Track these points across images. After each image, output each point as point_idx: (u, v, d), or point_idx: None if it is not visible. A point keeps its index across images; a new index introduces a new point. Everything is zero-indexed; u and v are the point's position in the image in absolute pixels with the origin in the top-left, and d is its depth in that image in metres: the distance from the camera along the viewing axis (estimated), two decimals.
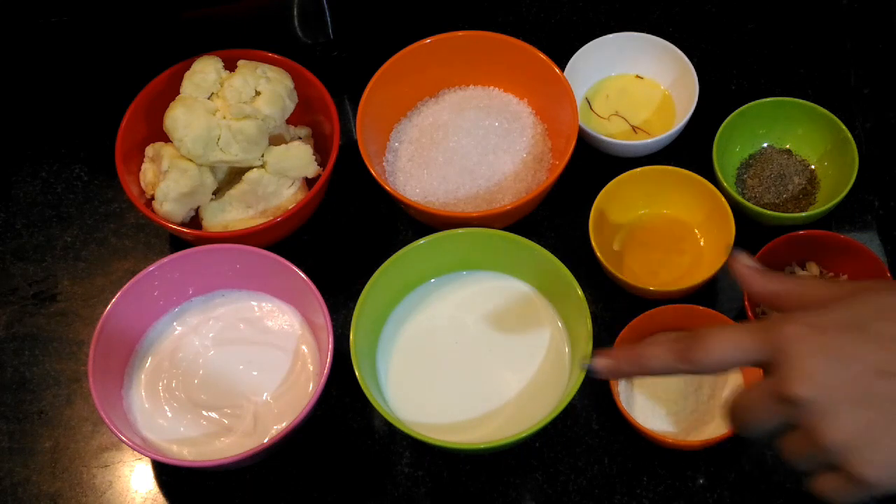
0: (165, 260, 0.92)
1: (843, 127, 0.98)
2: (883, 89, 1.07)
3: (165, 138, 0.96)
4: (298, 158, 0.97)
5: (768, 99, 1.01)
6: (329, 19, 1.10)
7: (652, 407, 0.90)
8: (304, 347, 0.93)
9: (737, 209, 0.95)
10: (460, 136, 1.01)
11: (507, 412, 0.89)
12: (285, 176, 0.97)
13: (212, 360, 0.93)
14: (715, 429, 0.88)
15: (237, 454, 0.84)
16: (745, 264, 0.75)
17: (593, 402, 0.92)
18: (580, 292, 0.88)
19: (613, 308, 0.95)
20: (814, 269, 0.95)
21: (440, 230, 0.92)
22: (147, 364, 0.93)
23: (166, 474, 0.92)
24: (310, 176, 0.99)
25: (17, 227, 1.04)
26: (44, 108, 1.11)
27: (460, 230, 0.92)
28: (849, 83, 1.07)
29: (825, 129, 0.99)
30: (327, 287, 0.90)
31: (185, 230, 0.96)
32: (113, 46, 1.10)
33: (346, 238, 1.02)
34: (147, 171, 0.99)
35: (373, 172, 0.96)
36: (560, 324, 0.92)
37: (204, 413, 0.90)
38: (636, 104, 1.06)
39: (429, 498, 0.90)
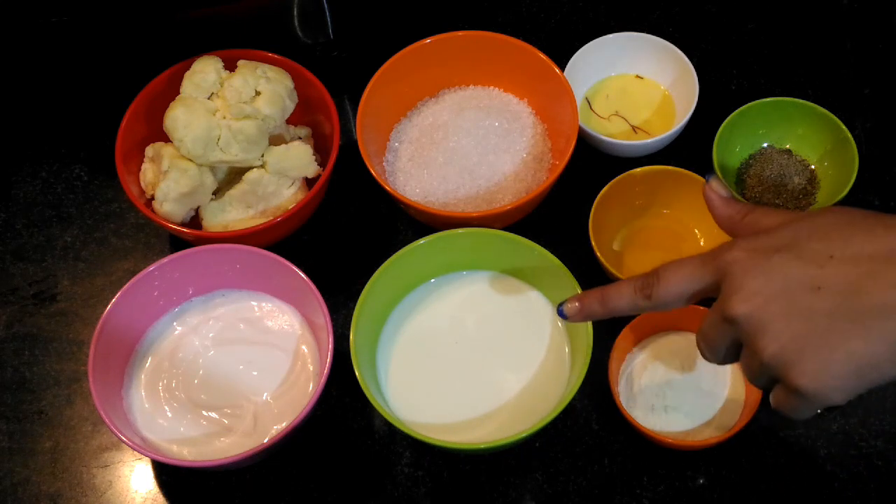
0: (165, 260, 0.92)
1: (843, 127, 0.98)
2: (883, 89, 1.07)
3: (165, 138, 0.96)
4: (298, 158, 0.97)
5: (768, 99, 1.01)
6: (329, 19, 1.10)
7: (652, 407, 0.90)
8: (304, 347, 0.93)
9: None
10: (460, 136, 1.01)
11: (507, 412, 0.89)
12: (285, 176, 0.97)
13: (212, 360, 0.93)
14: (715, 429, 0.88)
15: (237, 454, 0.84)
16: (715, 190, 0.80)
17: (593, 402, 0.92)
18: (580, 292, 0.87)
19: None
20: None
21: (440, 230, 0.92)
22: (147, 364, 0.93)
23: (166, 474, 0.92)
24: (310, 176, 0.99)
25: (17, 227, 1.04)
26: (44, 108, 1.11)
27: (460, 230, 0.92)
28: (849, 83, 1.07)
29: (825, 129, 0.99)
30: (327, 287, 0.90)
31: (185, 230, 0.96)
32: (113, 46, 1.10)
33: (346, 238, 1.02)
34: (147, 171, 0.99)
35: (373, 172, 0.96)
36: (560, 324, 0.92)
37: (204, 413, 0.90)
38: (636, 104, 1.06)
39: (429, 498, 0.90)
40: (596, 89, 1.07)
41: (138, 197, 0.97)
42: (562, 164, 0.95)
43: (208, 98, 0.96)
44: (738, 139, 1.01)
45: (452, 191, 0.99)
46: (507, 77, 1.05)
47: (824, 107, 0.99)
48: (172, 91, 0.98)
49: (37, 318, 0.99)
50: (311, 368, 0.92)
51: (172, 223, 0.96)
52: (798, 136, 1.02)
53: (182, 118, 0.94)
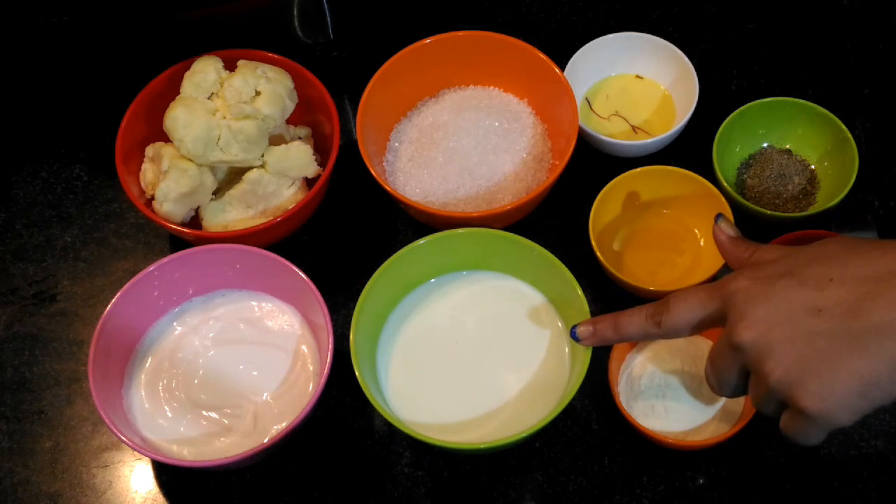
0: (165, 260, 0.92)
1: (843, 127, 0.98)
2: (883, 89, 1.07)
3: (165, 138, 0.96)
4: (298, 158, 0.97)
5: (768, 99, 1.01)
6: (329, 19, 1.10)
7: (652, 407, 0.90)
8: (304, 347, 0.93)
9: (737, 209, 0.95)
10: (460, 136, 1.01)
11: (507, 412, 0.89)
12: (285, 176, 0.97)
13: (212, 360, 0.93)
14: (715, 429, 0.88)
15: (237, 454, 0.84)
16: (724, 231, 0.83)
17: (593, 402, 0.92)
18: (580, 292, 0.88)
19: (613, 308, 0.95)
20: None
21: (440, 230, 0.92)
22: (147, 364, 0.93)
23: (166, 474, 0.92)
24: (310, 176, 0.99)
25: (17, 227, 1.04)
26: (44, 108, 1.11)
27: (460, 230, 0.92)
28: (849, 83, 1.07)
29: (825, 129, 0.99)
30: (327, 287, 0.90)
31: (185, 230, 0.96)
32: (113, 46, 1.10)
33: (346, 238, 1.02)
34: (147, 171, 0.99)
35: (373, 172, 0.96)
36: (560, 324, 0.92)
37: (204, 413, 0.90)
38: (636, 104, 1.06)
39: (429, 498, 0.90)
40: (596, 89, 1.07)
41: (138, 197, 0.97)
42: (562, 164, 0.95)
43: (208, 98, 0.96)
44: (738, 139, 1.01)
45: (452, 191, 0.99)
46: (507, 77, 1.05)
47: (824, 107, 0.99)
48: (172, 91, 0.98)
49: (37, 318, 0.99)
50: (311, 368, 0.92)
51: (172, 223, 0.96)
52: (798, 136, 1.02)
53: (182, 118, 0.94)
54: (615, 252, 0.98)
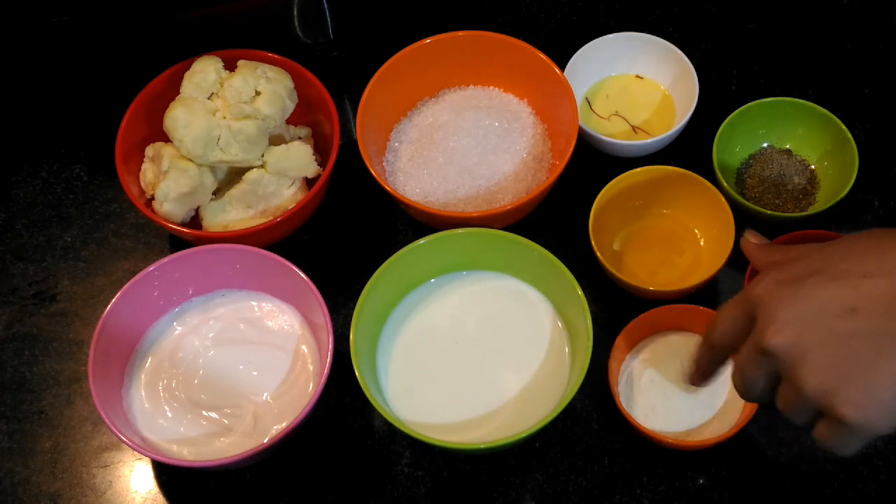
0: (165, 260, 0.92)
1: (843, 127, 0.98)
2: (883, 89, 1.07)
3: (165, 138, 0.96)
4: (298, 158, 0.97)
5: (768, 99, 1.01)
6: (329, 19, 1.10)
7: (652, 407, 0.90)
8: (304, 347, 0.93)
9: (737, 209, 0.95)
10: (460, 136, 1.01)
11: (507, 412, 0.89)
12: (285, 176, 0.97)
13: (212, 360, 0.93)
14: (715, 429, 0.88)
15: (237, 454, 0.84)
16: (750, 241, 0.80)
17: (593, 402, 0.92)
18: (580, 292, 0.88)
19: (613, 308, 0.95)
20: None
21: (440, 230, 0.92)
22: (147, 364, 0.93)
23: (166, 474, 0.92)
24: (310, 176, 0.99)
25: (17, 227, 1.04)
26: (44, 108, 1.11)
27: (460, 230, 0.92)
28: (849, 83, 1.07)
29: (825, 129, 0.99)
30: (327, 287, 0.90)
31: (185, 230, 0.96)
32: (113, 46, 1.10)
33: (346, 238, 1.02)
34: (147, 171, 0.99)
35: (373, 172, 0.96)
36: (560, 324, 0.92)
37: (204, 413, 0.90)
38: (636, 104, 1.06)
39: (429, 498, 0.90)
40: (596, 89, 1.07)
41: (138, 197, 0.97)
42: (562, 164, 0.95)
43: (208, 98, 0.96)
44: (738, 139, 1.01)
45: (452, 191, 0.99)
46: (507, 77, 1.05)
47: (824, 107, 0.99)
48: (172, 91, 0.98)
49: (37, 318, 0.99)
50: (311, 368, 0.92)
51: (172, 223, 0.96)
52: (798, 136, 1.02)
53: (182, 118, 0.94)
54: (615, 252, 0.98)
